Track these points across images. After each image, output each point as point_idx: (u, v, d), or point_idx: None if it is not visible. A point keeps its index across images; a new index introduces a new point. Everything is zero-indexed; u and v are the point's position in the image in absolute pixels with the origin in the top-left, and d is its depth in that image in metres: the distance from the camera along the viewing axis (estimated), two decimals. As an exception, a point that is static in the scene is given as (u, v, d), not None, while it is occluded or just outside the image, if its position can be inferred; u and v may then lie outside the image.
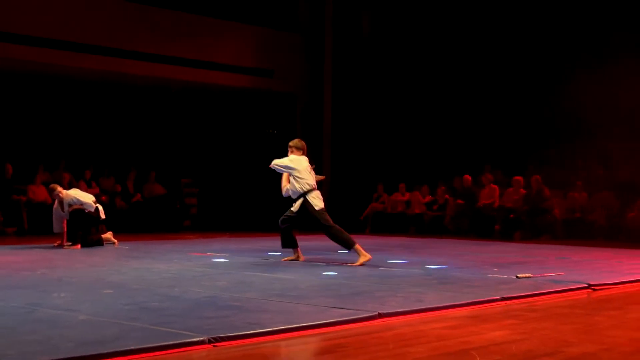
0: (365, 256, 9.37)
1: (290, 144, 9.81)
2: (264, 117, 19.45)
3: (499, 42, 17.58)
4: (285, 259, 9.85)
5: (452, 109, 18.25)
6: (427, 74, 18.54)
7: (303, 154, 9.76)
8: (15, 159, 16.22)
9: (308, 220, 9.69)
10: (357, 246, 9.44)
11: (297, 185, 9.56)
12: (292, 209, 9.65)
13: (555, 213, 15.69)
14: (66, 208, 11.61)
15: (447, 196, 17.28)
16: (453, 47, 18.24)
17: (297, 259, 9.77)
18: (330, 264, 9.47)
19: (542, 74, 17.15)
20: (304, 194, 9.55)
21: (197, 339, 4.61)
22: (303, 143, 9.85)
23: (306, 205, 9.53)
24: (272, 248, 11.44)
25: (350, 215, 17.89)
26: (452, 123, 18.19)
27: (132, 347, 4.36)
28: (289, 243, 9.83)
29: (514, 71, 17.42)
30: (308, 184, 9.57)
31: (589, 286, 7.57)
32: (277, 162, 9.59)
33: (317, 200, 9.58)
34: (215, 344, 4.61)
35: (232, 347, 4.61)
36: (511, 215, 15.92)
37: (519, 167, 16.90)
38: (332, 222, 9.59)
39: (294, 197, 9.66)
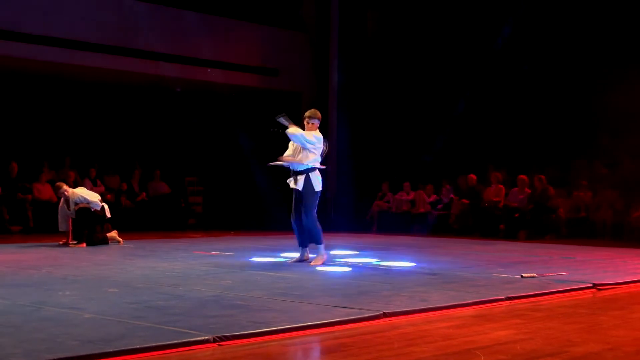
0: (322, 258, 9.17)
1: (312, 115, 9.48)
2: (269, 116, 19.44)
3: (500, 40, 17.55)
4: (292, 260, 9.53)
5: (456, 107, 18.23)
6: (432, 72, 18.53)
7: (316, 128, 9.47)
8: (20, 158, 16.27)
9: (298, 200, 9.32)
10: (322, 246, 9.21)
11: (309, 158, 9.30)
12: (291, 184, 9.26)
13: (560, 212, 15.68)
14: (72, 206, 11.62)
15: (451, 195, 17.28)
16: (458, 46, 18.23)
17: (303, 259, 9.48)
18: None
19: (546, 72, 17.14)
20: (309, 170, 9.32)
21: (202, 337, 4.63)
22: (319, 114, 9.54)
23: (307, 184, 9.24)
24: (278, 247, 11.44)
25: (354, 214, 17.91)
26: (457, 122, 18.16)
27: (137, 346, 4.37)
28: (305, 240, 9.52)
29: (518, 70, 17.40)
30: (318, 162, 9.39)
31: (594, 286, 7.56)
32: (304, 134, 9.22)
33: (317, 183, 9.33)
34: (220, 343, 4.62)
35: (237, 346, 4.62)
36: (516, 215, 15.90)
37: (523, 166, 16.89)
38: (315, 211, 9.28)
39: (295, 169, 9.31)
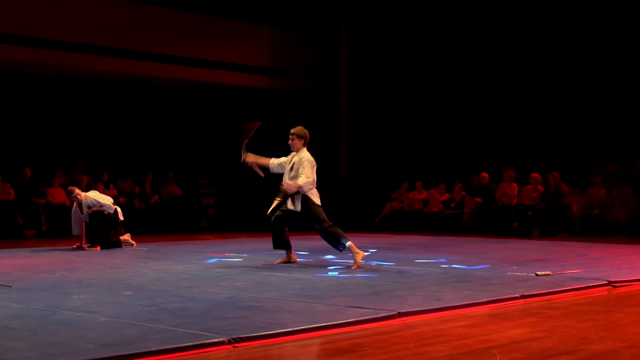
0: (359, 253, 8.92)
1: (300, 133, 9.19)
2: (280, 117, 19.47)
3: (512, 39, 17.52)
4: (278, 261, 9.45)
5: (467, 106, 18.21)
6: (443, 71, 18.52)
7: (305, 144, 9.30)
8: (33, 162, 16.32)
9: (304, 218, 9.17)
10: (351, 244, 8.95)
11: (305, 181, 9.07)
12: (288, 205, 9.10)
13: (573, 210, 15.61)
14: (85, 210, 11.65)
15: (464, 194, 17.24)
16: (468, 45, 18.20)
17: (289, 260, 9.40)
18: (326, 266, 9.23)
19: (554, 70, 17.08)
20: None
21: (217, 339, 4.63)
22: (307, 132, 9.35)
23: (306, 200, 9.05)
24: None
25: (366, 214, 17.89)
26: (468, 120, 18.15)
27: (153, 349, 4.38)
28: (283, 244, 9.43)
29: (528, 68, 17.36)
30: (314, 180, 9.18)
31: (609, 283, 7.53)
32: (308, 178, 8.98)
33: (315, 197, 9.14)
34: (235, 345, 4.62)
35: (252, 348, 4.62)
36: (529, 213, 15.84)
37: (536, 164, 16.84)
38: (326, 218, 9.10)
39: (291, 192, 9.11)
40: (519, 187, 16.44)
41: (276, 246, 9.49)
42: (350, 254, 9.08)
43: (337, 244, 9.08)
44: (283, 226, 9.35)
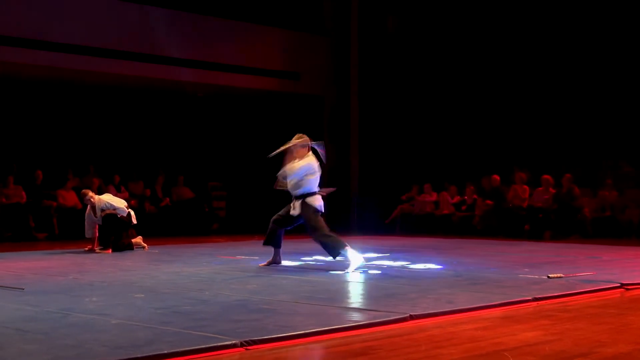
0: (358, 259, 8.83)
1: (302, 142, 9.21)
2: (291, 119, 19.49)
3: (523, 41, 17.49)
4: (263, 264, 9.49)
5: (478, 108, 18.17)
6: (454, 74, 18.48)
7: (309, 149, 9.26)
8: (45, 165, 16.38)
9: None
10: (349, 249, 8.84)
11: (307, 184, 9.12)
12: (291, 211, 9.14)
13: (585, 212, 15.56)
14: (99, 213, 11.67)
15: (475, 196, 17.20)
16: (479, 47, 18.17)
17: (274, 262, 9.42)
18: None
19: (566, 72, 17.04)
20: (306, 195, 9.10)
21: (230, 342, 4.63)
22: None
23: (305, 206, 9.03)
24: (302, 251, 11.43)
25: (377, 216, 17.87)
26: (479, 122, 18.11)
27: (165, 351, 4.39)
28: (274, 242, 9.45)
29: (540, 70, 17.32)
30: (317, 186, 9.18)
31: (622, 285, 7.50)
32: (300, 169, 9.08)
33: (315, 203, 9.05)
34: (248, 348, 4.63)
35: (264, 350, 4.62)
36: (540, 215, 15.79)
37: (547, 166, 16.80)
38: (323, 226, 8.99)
39: (295, 193, 9.16)
40: (531, 189, 16.40)
41: (267, 243, 9.49)
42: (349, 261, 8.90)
43: (331, 252, 8.97)
44: (282, 227, 9.37)
